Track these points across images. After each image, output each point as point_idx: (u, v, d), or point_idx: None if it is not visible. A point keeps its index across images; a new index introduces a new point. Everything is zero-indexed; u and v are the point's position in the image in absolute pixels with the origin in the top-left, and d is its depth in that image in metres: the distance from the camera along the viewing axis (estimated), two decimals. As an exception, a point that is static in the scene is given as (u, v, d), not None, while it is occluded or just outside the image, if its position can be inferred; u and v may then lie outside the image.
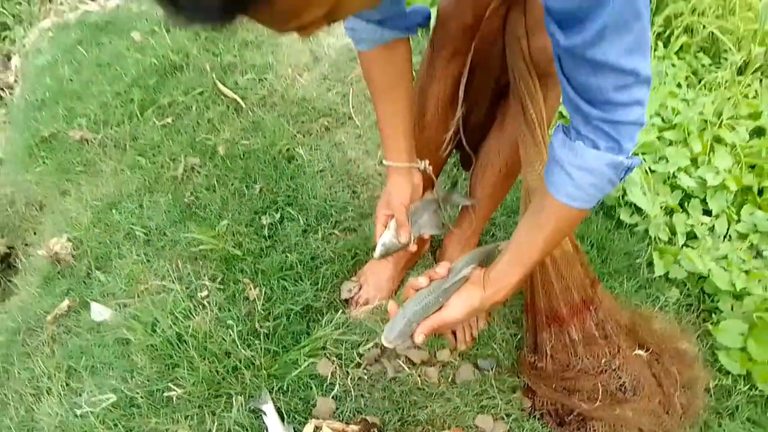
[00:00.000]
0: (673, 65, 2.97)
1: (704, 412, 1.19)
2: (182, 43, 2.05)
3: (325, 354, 1.30)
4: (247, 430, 1.18)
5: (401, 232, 1.10)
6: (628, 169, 0.80)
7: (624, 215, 1.58)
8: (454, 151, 1.31)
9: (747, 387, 1.25)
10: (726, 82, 2.78)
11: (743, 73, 3.01)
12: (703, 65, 3.06)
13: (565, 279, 1.18)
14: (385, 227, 1.12)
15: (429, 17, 1.03)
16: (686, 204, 1.71)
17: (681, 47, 3.08)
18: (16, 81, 2.66)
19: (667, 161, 1.73)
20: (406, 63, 1.05)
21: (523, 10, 0.95)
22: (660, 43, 3.16)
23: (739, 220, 1.78)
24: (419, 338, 0.89)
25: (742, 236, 1.77)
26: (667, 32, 3.18)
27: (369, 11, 0.93)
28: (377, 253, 1.12)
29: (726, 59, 2.96)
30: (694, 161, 1.78)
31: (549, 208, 0.85)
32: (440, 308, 0.90)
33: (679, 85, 2.81)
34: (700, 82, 2.90)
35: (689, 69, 3.03)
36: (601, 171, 0.79)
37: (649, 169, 1.70)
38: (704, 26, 3.08)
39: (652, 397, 1.15)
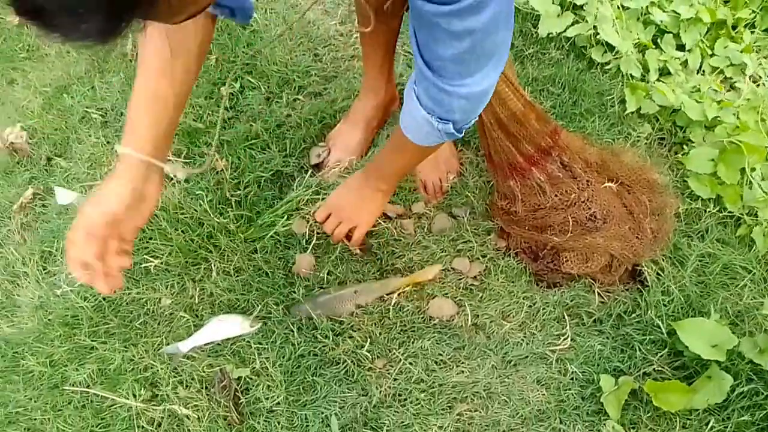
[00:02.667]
0: None
1: (674, 236, 1.22)
2: None
3: (299, 214, 1.30)
4: (229, 291, 1.20)
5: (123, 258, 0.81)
6: (442, 133, 0.86)
7: (596, 55, 1.53)
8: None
9: (716, 209, 1.28)
10: None
11: None
12: None
13: (515, 136, 1.17)
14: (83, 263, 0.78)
15: (250, 14, 0.88)
16: (659, 40, 1.65)
17: None
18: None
19: (640, -4, 1.65)
20: (198, 40, 0.84)
21: None
22: None
23: (713, 55, 1.74)
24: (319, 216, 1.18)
25: (716, 70, 1.74)
26: None
27: None
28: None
29: None
30: (667, -5, 1.71)
31: (396, 133, 0.97)
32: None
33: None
34: None
35: None
36: (419, 122, 0.86)
37: (622, 5, 1.62)
38: None
39: (622, 224, 1.17)
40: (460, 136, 0.89)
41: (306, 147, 1.44)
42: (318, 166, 1.42)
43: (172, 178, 1.34)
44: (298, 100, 1.53)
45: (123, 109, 1.52)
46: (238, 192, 1.32)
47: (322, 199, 1.32)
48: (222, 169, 1.36)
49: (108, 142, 1.48)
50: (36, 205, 1.41)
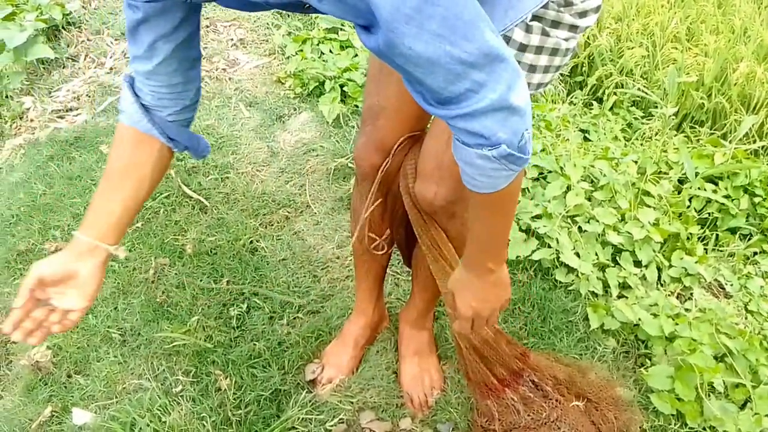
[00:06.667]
0: (608, 121, 3.24)
1: (641, 453, 1.31)
2: (147, 152, 2.22)
3: (294, 435, 1.40)
4: None
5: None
6: (506, 157, 0.74)
7: (560, 276, 1.74)
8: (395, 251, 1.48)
9: (679, 425, 1.38)
10: (657, 133, 3.04)
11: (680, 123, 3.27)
12: (636, 118, 3.34)
13: (489, 360, 1.32)
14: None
15: (203, 153, 1.06)
16: (618, 257, 1.87)
17: (614, 103, 3.37)
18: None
19: (597, 221, 1.90)
20: (151, 164, 0.99)
21: (417, 155, 1.15)
22: (595, 103, 3.45)
23: (671, 266, 1.95)
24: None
25: (675, 280, 1.94)
26: (600, 91, 3.47)
27: (149, 83, 0.94)
28: None
29: (656, 111, 3.24)
30: (621, 218, 1.96)
31: (471, 205, 0.89)
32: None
33: (615, 138, 3.07)
34: (635, 133, 3.17)
35: (624, 122, 3.31)
36: (477, 164, 0.76)
37: (580, 229, 1.87)
38: (633, 84, 3.38)
39: (591, 444, 1.27)
40: (527, 156, 0.76)
41: (303, 364, 1.58)
42: (313, 382, 1.55)
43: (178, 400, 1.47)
44: (298, 318, 1.71)
45: (141, 330, 1.69)
46: (239, 412, 1.45)
47: (316, 417, 1.44)
48: (225, 389, 1.50)
49: (124, 361, 1.63)
50: (53, 424, 1.52)
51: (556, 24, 0.91)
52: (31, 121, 2.69)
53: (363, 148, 1.25)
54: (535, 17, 0.90)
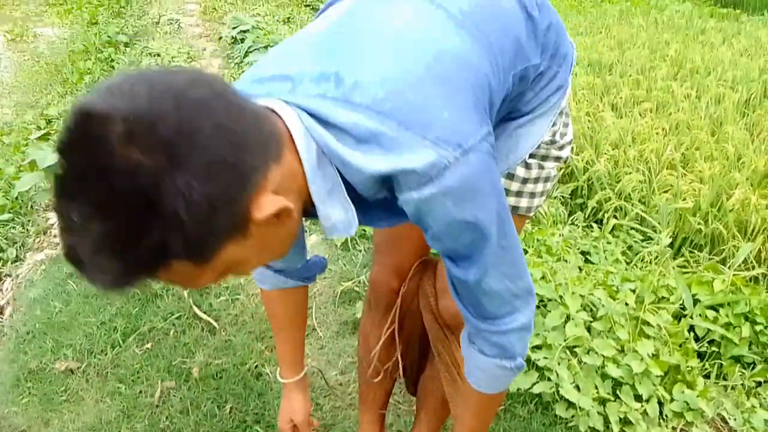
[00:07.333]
0: (608, 243, 3.33)
1: None
2: (162, 273, 2.31)
3: None
4: None
5: None
6: (516, 369, 0.93)
7: (560, 410, 1.75)
8: (400, 378, 1.52)
9: None
10: (656, 257, 3.12)
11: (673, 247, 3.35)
12: (636, 241, 3.43)
13: None
14: None
15: (325, 266, 1.26)
16: (618, 391, 1.89)
17: (614, 227, 3.47)
18: (7, 303, 2.88)
19: (596, 353, 1.93)
20: (303, 302, 1.27)
21: (433, 276, 1.23)
22: (595, 225, 3.56)
23: (672, 399, 1.96)
24: None
25: (677, 415, 1.93)
26: (600, 213, 3.59)
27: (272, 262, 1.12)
28: None
29: (655, 234, 3.33)
30: (621, 350, 1.99)
31: (466, 391, 1.02)
32: None
33: (617, 260, 3.14)
34: (636, 255, 3.24)
35: (624, 245, 3.39)
36: (491, 371, 0.93)
37: (579, 361, 1.90)
38: (631, 207, 3.50)
39: None
40: (525, 365, 0.95)
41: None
42: None
43: None
44: (299, 449, 1.71)
45: (142, 458, 1.70)
46: None
47: None
48: None
49: (123, 491, 1.63)
50: None
51: (545, 158, 1.09)
52: (55, 237, 2.82)
53: (379, 274, 1.35)
54: (530, 155, 1.08)
